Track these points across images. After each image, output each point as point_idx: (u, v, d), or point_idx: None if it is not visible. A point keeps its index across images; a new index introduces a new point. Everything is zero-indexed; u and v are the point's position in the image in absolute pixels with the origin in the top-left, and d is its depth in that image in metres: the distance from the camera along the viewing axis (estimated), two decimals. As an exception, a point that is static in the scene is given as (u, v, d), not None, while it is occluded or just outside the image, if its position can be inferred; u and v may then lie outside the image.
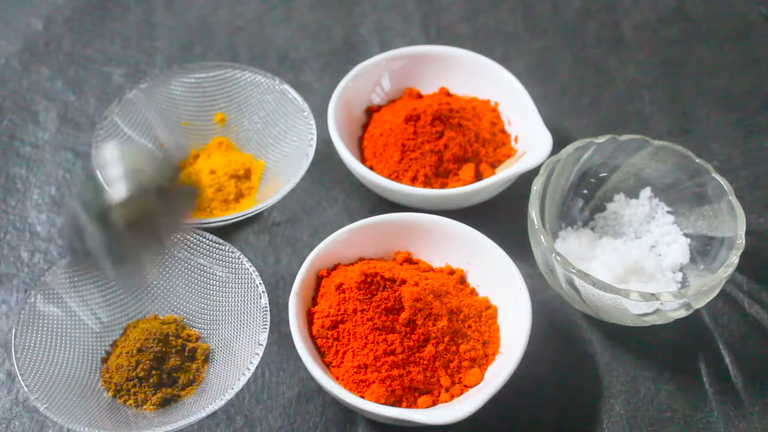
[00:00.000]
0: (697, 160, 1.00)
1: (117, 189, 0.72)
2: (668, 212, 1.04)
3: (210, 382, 0.92)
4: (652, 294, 0.89)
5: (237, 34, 1.30)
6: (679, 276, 1.00)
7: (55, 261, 0.96)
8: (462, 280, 0.99)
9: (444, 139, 1.06)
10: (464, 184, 1.05)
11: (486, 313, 0.95)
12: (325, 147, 1.12)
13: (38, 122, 1.18)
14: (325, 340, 0.91)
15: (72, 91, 1.22)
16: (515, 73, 1.13)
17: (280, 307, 1.00)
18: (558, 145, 1.04)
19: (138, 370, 0.91)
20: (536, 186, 0.98)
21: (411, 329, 0.90)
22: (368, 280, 0.91)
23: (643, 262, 0.99)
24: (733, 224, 0.96)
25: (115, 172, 0.71)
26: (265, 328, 0.90)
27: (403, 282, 0.91)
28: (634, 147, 1.03)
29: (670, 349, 0.98)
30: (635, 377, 0.96)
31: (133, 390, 0.91)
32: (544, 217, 1.00)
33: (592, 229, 1.05)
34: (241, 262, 0.95)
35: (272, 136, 1.11)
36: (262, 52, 1.27)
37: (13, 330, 0.90)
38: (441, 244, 0.99)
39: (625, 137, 1.02)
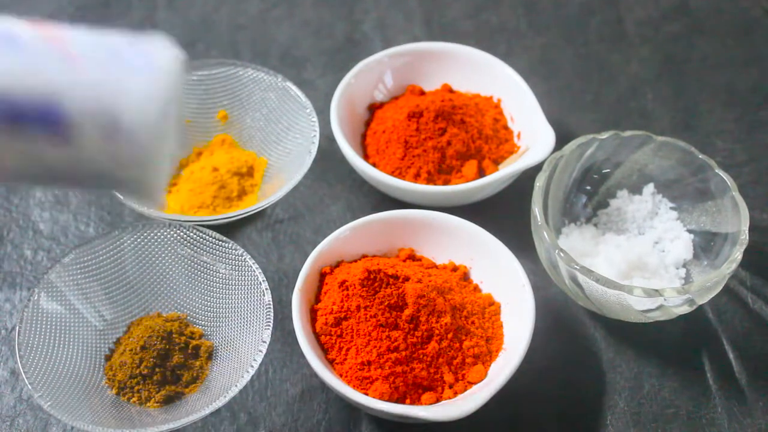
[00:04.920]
0: (700, 156, 1.00)
1: None
2: (671, 208, 1.04)
3: (213, 380, 0.92)
4: (656, 290, 0.89)
5: (239, 31, 1.30)
6: (682, 272, 1.00)
7: (59, 259, 0.96)
8: (465, 277, 0.99)
9: (447, 136, 1.06)
10: (467, 181, 1.05)
11: (489, 310, 0.95)
12: (327, 144, 1.12)
13: (41, 120, 1.18)
14: (328, 337, 0.91)
15: (74, 89, 1.22)
16: (518, 69, 1.13)
17: (284, 304, 1.00)
18: (561, 141, 1.04)
19: (141, 367, 0.91)
20: (539, 182, 0.98)
21: (414, 326, 0.90)
22: (371, 276, 0.91)
23: (647, 258, 0.99)
24: (736, 220, 0.95)
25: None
26: (269, 326, 0.90)
27: (407, 279, 0.91)
28: (637, 143, 1.03)
29: (674, 345, 0.98)
30: (639, 373, 0.96)
31: (136, 387, 0.91)
32: (547, 214, 1.00)
33: (596, 225, 1.05)
34: (244, 259, 0.95)
35: (275, 134, 1.11)
36: (265, 50, 1.27)
37: (17, 328, 0.90)
38: (444, 240, 0.99)
39: (628, 133, 1.02)
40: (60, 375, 0.90)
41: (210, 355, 0.95)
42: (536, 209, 0.96)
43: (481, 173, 1.07)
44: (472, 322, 0.93)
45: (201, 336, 0.96)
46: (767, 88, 1.22)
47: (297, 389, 0.95)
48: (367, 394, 0.87)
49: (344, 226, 0.98)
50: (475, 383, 0.90)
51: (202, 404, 0.87)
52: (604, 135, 1.02)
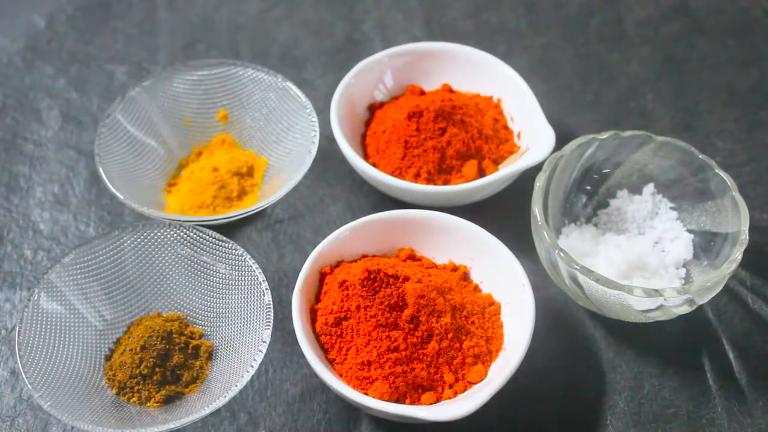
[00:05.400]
0: (700, 156, 1.00)
1: None
2: (671, 208, 1.04)
3: (213, 380, 0.92)
4: (656, 290, 0.89)
5: (239, 31, 1.30)
6: (682, 272, 1.00)
7: (59, 259, 0.96)
8: (465, 277, 0.99)
9: (447, 136, 1.06)
10: (467, 181, 1.05)
11: (489, 310, 0.95)
12: (327, 144, 1.12)
13: (41, 120, 1.18)
14: (328, 337, 0.91)
15: (75, 89, 1.22)
16: (518, 69, 1.13)
17: (284, 304, 1.00)
18: (561, 141, 1.04)
19: (141, 367, 0.91)
20: (539, 182, 0.98)
21: (414, 326, 0.89)
22: (371, 276, 0.91)
23: (647, 258, 0.99)
24: (736, 220, 0.95)
25: None
26: (269, 326, 0.90)
27: (407, 279, 0.91)
28: (637, 143, 1.03)
29: (674, 345, 0.98)
30: (639, 373, 0.96)
31: (136, 387, 0.91)
32: (547, 214, 1.00)
33: (596, 225, 1.05)
34: (244, 259, 0.95)
35: (275, 134, 1.11)
36: (265, 50, 1.27)
37: (17, 328, 0.90)
38: (444, 240, 0.99)
39: (628, 133, 1.02)
40: (60, 375, 0.90)
41: (210, 355, 0.95)
42: (536, 209, 0.96)
43: (481, 173, 1.07)
44: (472, 322, 0.93)
45: (201, 336, 0.96)
46: (767, 88, 1.22)
47: (297, 389, 0.95)
48: (367, 394, 0.87)
49: (344, 226, 0.98)
50: (475, 383, 0.90)
51: (202, 404, 0.87)
52: (604, 135, 1.02)
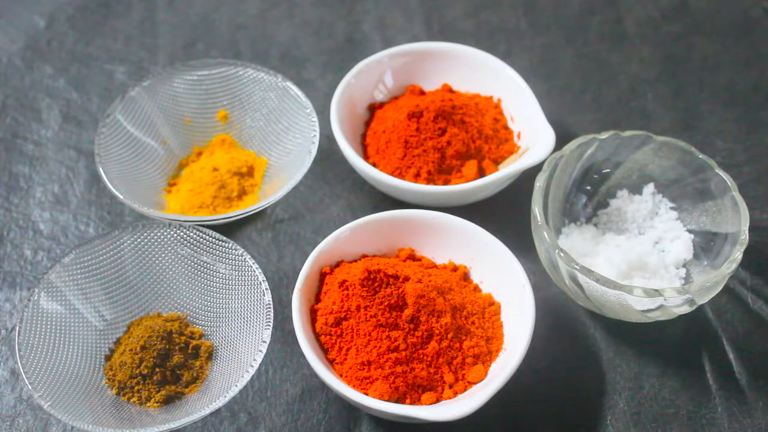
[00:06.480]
0: (700, 156, 1.00)
1: None
2: (671, 208, 1.04)
3: (213, 380, 0.92)
4: (656, 290, 0.89)
5: (239, 31, 1.30)
6: (682, 272, 1.00)
7: (59, 259, 0.96)
8: (465, 277, 0.99)
9: (447, 136, 1.06)
10: (467, 181, 1.05)
11: (489, 310, 0.95)
12: (327, 144, 1.12)
13: (41, 120, 1.18)
14: (328, 337, 0.91)
15: (75, 89, 1.22)
16: (518, 69, 1.13)
17: (284, 304, 1.00)
18: (561, 141, 1.04)
19: (141, 367, 0.91)
20: (539, 182, 0.98)
21: (414, 326, 0.89)
22: (371, 276, 0.91)
23: (647, 258, 0.99)
24: (736, 220, 0.95)
25: None
26: (269, 325, 0.90)
27: (407, 279, 0.91)
28: (637, 143, 1.03)
29: (674, 345, 0.98)
30: (639, 373, 0.96)
31: (136, 387, 0.91)
32: (548, 214, 1.00)
33: (596, 225, 1.05)
34: (245, 259, 0.95)
35: (275, 134, 1.11)
36: (265, 50, 1.27)
37: (17, 328, 0.90)
38: (444, 240, 0.99)
39: (628, 133, 1.02)
40: (60, 375, 0.90)
41: (210, 355, 0.95)
42: (536, 209, 0.96)
43: (481, 173, 1.07)
44: (472, 322, 0.93)
45: (201, 336, 0.96)
46: (767, 88, 1.22)
47: (297, 389, 0.95)
48: (367, 394, 0.87)
49: (344, 226, 0.98)
50: (475, 383, 0.90)
51: (202, 404, 0.87)
52: (604, 135, 1.02)
